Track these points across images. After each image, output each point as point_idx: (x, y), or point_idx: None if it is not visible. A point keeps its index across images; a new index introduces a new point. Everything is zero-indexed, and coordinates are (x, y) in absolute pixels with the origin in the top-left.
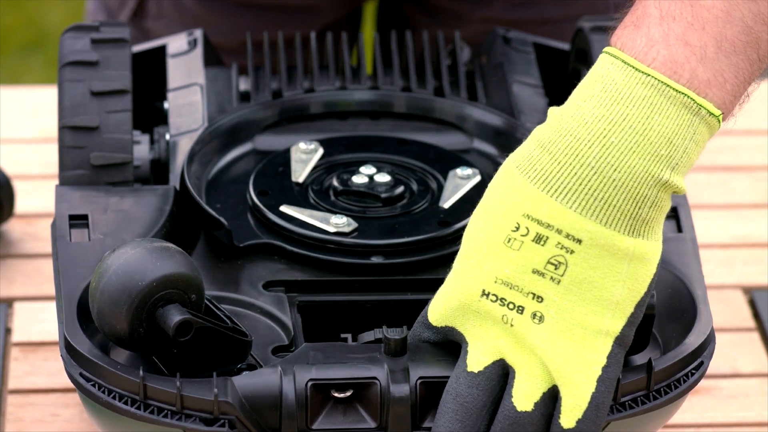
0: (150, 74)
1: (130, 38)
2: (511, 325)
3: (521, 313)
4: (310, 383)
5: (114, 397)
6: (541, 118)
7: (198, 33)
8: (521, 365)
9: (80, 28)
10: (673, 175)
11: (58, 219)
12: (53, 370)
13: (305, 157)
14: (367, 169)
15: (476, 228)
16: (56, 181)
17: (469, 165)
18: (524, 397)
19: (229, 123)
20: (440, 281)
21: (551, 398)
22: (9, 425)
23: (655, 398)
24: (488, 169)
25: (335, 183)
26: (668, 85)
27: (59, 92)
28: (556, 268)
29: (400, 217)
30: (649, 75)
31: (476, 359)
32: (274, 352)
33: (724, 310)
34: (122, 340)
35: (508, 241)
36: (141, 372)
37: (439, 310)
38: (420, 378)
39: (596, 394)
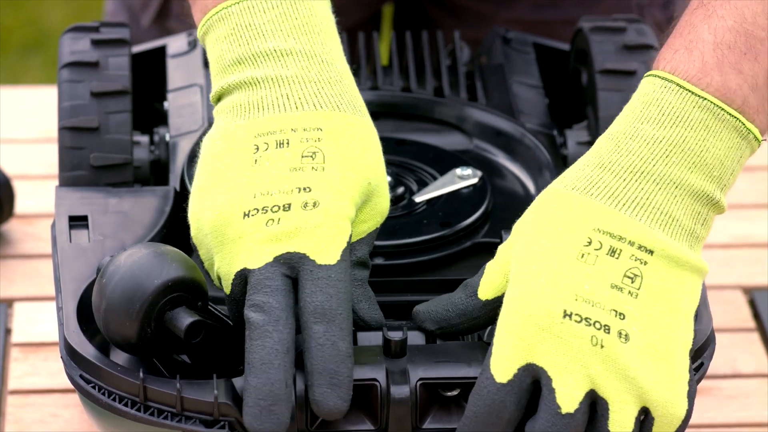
0: (150, 75)
1: (129, 39)
2: (602, 347)
3: (608, 333)
4: None
5: (114, 399)
6: (541, 119)
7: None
8: (614, 394)
9: (80, 28)
10: (721, 195)
11: (58, 220)
12: (53, 370)
13: None
14: None
15: (537, 250)
16: (56, 182)
17: (469, 165)
18: (621, 430)
19: None
20: (442, 282)
21: (641, 422)
22: (9, 425)
23: None
24: (487, 169)
25: None
26: (723, 109)
27: (59, 93)
28: (632, 281)
29: (401, 218)
30: (705, 99)
31: (569, 396)
32: None
33: (724, 310)
34: (130, 345)
35: (582, 257)
36: (141, 374)
37: (510, 350)
38: (420, 379)
39: (689, 410)
